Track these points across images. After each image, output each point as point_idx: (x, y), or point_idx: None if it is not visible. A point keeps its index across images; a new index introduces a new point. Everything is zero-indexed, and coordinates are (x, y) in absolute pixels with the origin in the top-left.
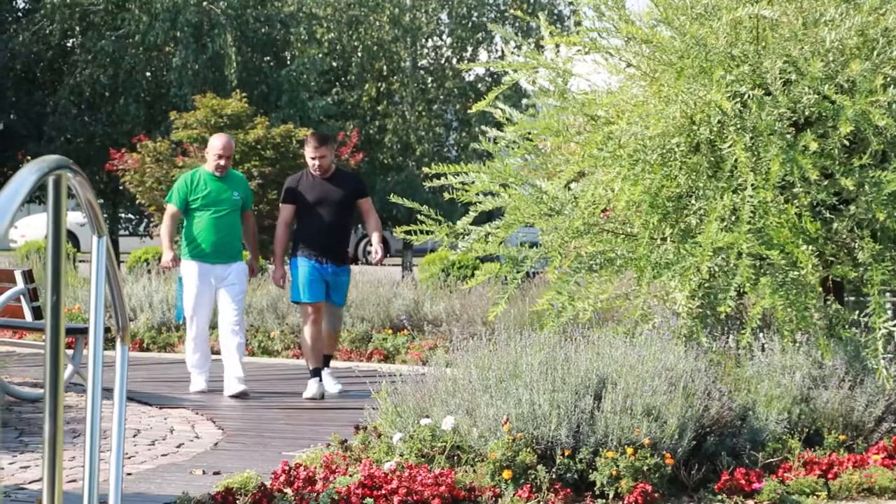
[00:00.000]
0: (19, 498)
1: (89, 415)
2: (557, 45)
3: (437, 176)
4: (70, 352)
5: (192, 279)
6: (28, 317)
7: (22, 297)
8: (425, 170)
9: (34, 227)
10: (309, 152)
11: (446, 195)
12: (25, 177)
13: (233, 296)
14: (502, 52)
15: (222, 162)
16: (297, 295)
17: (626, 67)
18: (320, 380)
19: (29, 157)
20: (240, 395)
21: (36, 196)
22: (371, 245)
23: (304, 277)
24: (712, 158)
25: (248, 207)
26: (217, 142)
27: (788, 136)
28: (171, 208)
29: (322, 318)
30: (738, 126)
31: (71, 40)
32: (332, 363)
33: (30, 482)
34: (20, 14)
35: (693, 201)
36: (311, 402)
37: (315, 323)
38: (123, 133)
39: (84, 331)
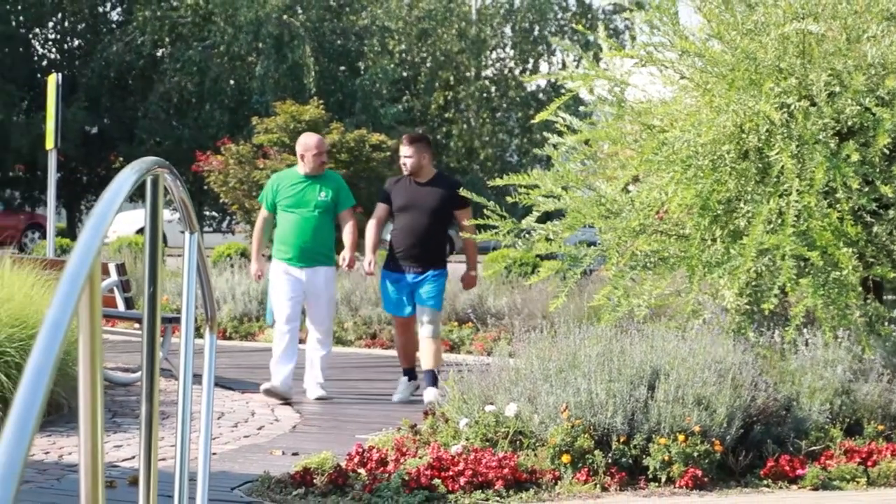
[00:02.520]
0: (113, 475)
1: (181, 398)
2: (615, 58)
3: (501, 177)
4: (159, 340)
5: (276, 280)
6: (120, 306)
7: (115, 288)
8: (496, 181)
9: (125, 224)
10: (401, 151)
11: (508, 199)
12: (127, 176)
13: (318, 309)
14: (563, 63)
15: (324, 158)
16: (386, 306)
17: (680, 79)
18: (410, 379)
19: (121, 159)
20: (319, 399)
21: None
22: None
23: (389, 291)
24: (760, 165)
25: (344, 207)
26: (311, 140)
27: (832, 144)
28: (262, 211)
29: (409, 329)
30: (785, 135)
31: (161, 50)
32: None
33: (122, 460)
34: (114, 26)
35: (741, 205)
36: (386, 392)
37: (401, 335)
38: (208, 137)
39: (173, 320)
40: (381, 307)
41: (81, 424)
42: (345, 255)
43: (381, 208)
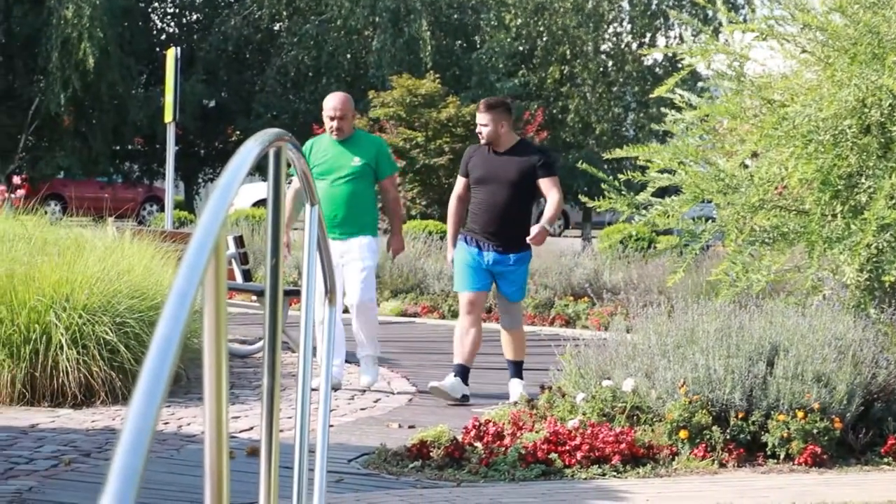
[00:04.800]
0: (232, 445)
1: (301, 371)
2: (734, 32)
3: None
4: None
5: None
6: (238, 279)
7: (233, 260)
8: (613, 153)
9: (242, 197)
10: (477, 119)
11: (621, 176)
12: (250, 148)
13: (353, 284)
14: (680, 37)
15: (335, 124)
16: (455, 282)
17: (801, 53)
18: (456, 375)
19: (238, 133)
20: (368, 388)
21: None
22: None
23: (460, 263)
24: (882, 140)
25: (383, 176)
26: (329, 101)
27: None
28: (294, 183)
29: (476, 310)
30: None
31: (278, 24)
32: None
33: (241, 431)
34: (232, 0)
35: (863, 180)
36: (490, 367)
37: (468, 314)
38: None
39: (291, 293)
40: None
41: (206, 395)
42: (390, 242)
43: (460, 183)
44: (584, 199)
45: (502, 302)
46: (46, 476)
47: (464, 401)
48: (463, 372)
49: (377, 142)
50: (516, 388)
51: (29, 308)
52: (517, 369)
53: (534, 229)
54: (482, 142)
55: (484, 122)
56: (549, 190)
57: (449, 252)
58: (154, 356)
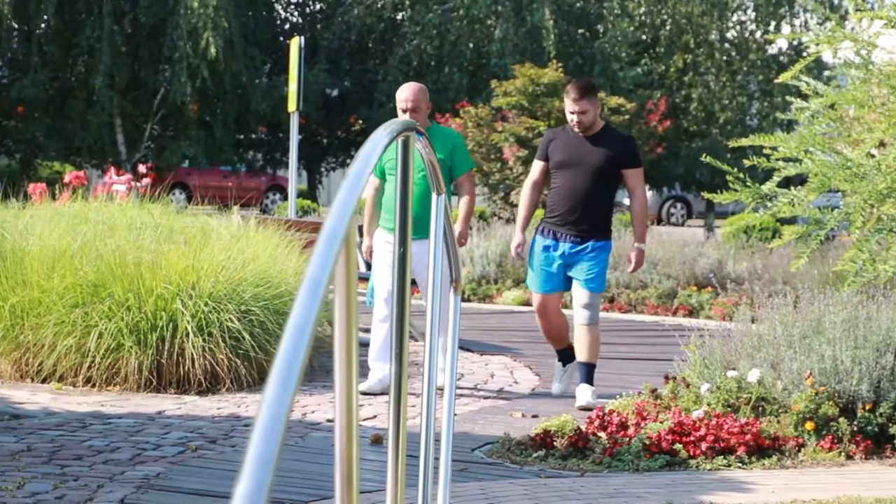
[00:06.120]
0: (368, 432)
1: (426, 358)
2: (862, 20)
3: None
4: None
5: (378, 252)
6: (361, 268)
7: (357, 249)
8: (738, 142)
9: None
10: (568, 106)
11: (746, 162)
12: (379, 138)
13: (423, 279)
14: (805, 24)
15: (407, 116)
16: (529, 281)
17: None
18: (565, 363)
19: (361, 122)
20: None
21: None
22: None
23: (536, 262)
24: None
25: (459, 172)
26: (402, 92)
27: None
28: (371, 179)
29: (550, 310)
30: None
31: (401, 13)
32: (639, 319)
33: (364, 419)
34: None
35: None
36: (626, 356)
37: (543, 317)
38: (447, 100)
39: (415, 282)
40: (616, 272)
41: (337, 383)
42: (461, 232)
43: (537, 167)
44: (707, 195)
45: (579, 295)
46: (173, 462)
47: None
48: (568, 355)
49: (454, 136)
50: (585, 393)
51: (156, 296)
52: (588, 373)
53: (633, 255)
54: (578, 130)
55: (582, 109)
56: (635, 187)
57: (516, 237)
58: (288, 344)
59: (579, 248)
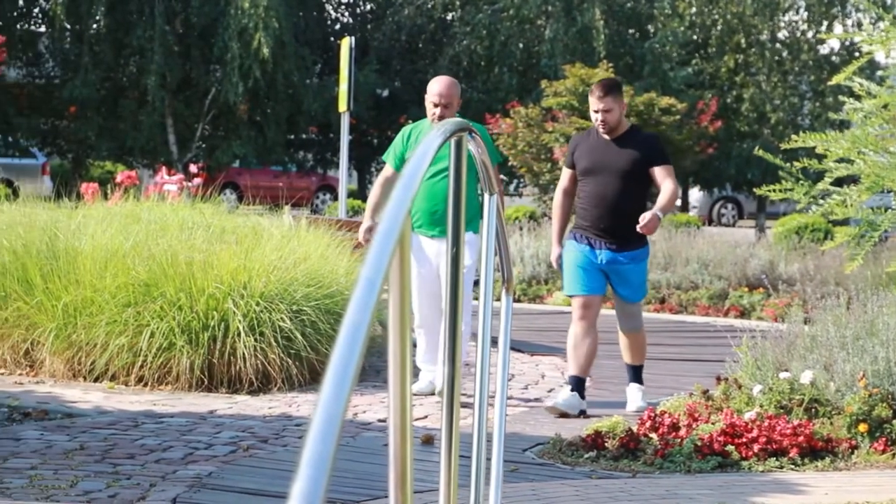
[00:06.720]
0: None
1: (479, 359)
2: None
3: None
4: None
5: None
6: None
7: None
8: (790, 143)
9: None
10: (592, 105)
11: (797, 163)
12: (433, 139)
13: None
14: (858, 24)
15: (438, 111)
16: (565, 284)
17: None
18: (573, 390)
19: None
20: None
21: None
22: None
23: (571, 263)
24: None
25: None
26: (434, 86)
27: None
28: (386, 169)
29: (591, 314)
30: None
31: (451, 14)
32: (690, 320)
33: (415, 419)
34: None
35: None
36: (676, 357)
37: (581, 320)
38: (497, 100)
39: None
40: (667, 273)
41: (391, 383)
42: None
43: (566, 175)
44: (760, 191)
45: (619, 303)
46: (225, 462)
47: (581, 416)
48: (579, 384)
49: (480, 130)
50: (635, 394)
51: (207, 295)
52: (636, 374)
53: (645, 215)
54: (602, 130)
55: (606, 108)
56: (664, 179)
57: (554, 250)
58: (343, 344)
59: (617, 256)
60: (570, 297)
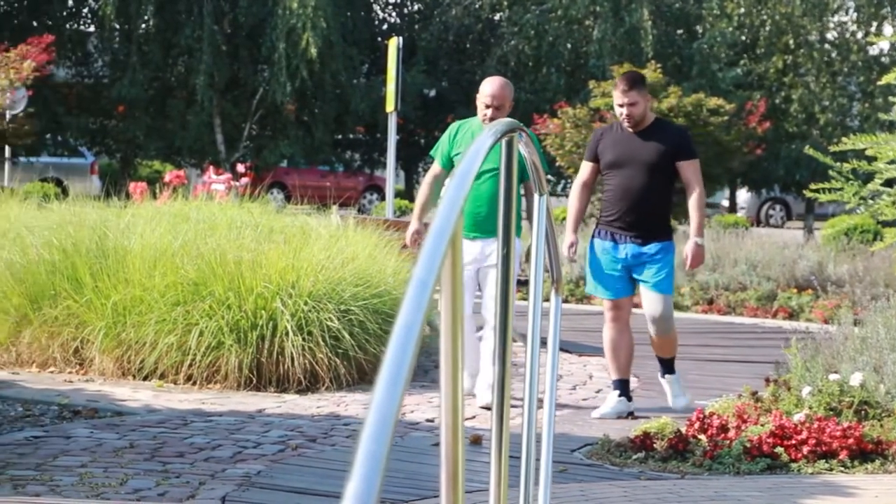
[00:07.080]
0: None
1: (528, 360)
2: None
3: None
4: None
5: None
6: None
7: None
8: (840, 146)
9: None
10: (616, 98)
11: (846, 165)
12: (484, 139)
13: (492, 289)
14: None
15: (489, 112)
16: (589, 285)
17: None
18: (621, 395)
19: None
20: (487, 408)
21: None
22: (687, 249)
23: (596, 266)
24: None
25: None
26: (487, 86)
27: None
28: (434, 167)
29: (624, 316)
30: None
31: (498, 14)
32: (738, 321)
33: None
34: None
35: None
36: (724, 358)
37: (614, 322)
38: (545, 100)
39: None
40: (715, 274)
41: (443, 383)
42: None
43: (585, 169)
44: (810, 192)
45: (650, 301)
46: (274, 461)
47: (629, 417)
48: (624, 387)
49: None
50: (672, 386)
51: (256, 294)
52: (668, 366)
53: (689, 251)
54: (628, 124)
55: (631, 101)
56: (690, 180)
57: (567, 237)
58: (396, 344)
59: (642, 249)
60: (602, 300)
